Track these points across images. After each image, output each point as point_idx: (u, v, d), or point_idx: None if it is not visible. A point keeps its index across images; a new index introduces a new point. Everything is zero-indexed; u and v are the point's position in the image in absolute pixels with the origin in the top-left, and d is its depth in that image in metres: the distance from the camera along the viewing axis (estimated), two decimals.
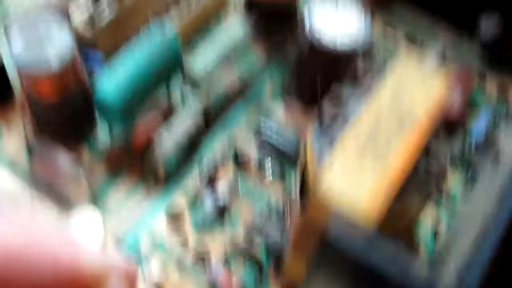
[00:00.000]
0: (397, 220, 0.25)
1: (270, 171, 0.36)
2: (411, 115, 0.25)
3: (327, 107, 0.27)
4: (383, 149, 0.24)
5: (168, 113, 0.37)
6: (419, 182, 0.25)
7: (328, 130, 0.26)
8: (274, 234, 0.31)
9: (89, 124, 0.36)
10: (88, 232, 0.32)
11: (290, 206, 0.30)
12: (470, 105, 0.41)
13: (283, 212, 0.32)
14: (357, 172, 0.24)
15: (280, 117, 0.39)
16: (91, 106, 0.34)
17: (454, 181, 0.37)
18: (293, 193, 0.29)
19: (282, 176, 0.36)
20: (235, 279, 0.31)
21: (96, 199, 0.34)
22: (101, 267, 0.21)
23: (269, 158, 0.36)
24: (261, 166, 0.36)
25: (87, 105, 0.34)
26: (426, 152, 0.25)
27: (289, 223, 0.31)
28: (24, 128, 0.36)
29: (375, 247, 0.20)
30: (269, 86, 0.40)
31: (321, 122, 0.26)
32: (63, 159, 0.33)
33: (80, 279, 0.20)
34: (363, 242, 0.20)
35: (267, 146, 0.36)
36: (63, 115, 0.33)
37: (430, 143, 0.26)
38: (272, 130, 0.37)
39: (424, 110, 0.26)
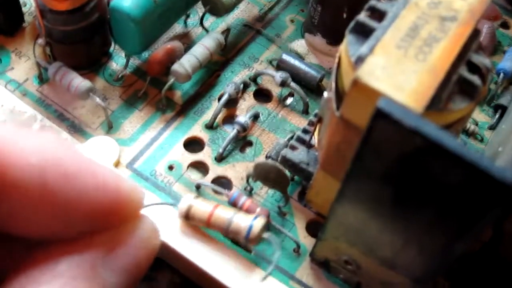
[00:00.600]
0: (442, 119, 0.23)
1: (292, 99, 0.35)
2: (453, 14, 0.24)
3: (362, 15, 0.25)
4: (425, 48, 0.23)
5: (186, 40, 0.36)
6: (462, 86, 0.24)
7: (365, 34, 0.25)
8: (300, 159, 0.29)
9: (104, 44, 0.34)
10: (102, 158, 0.31)
11: (318, 125, 0.29)
12: (496, 42, 0.39)
13: (309, 138, 0.30)
14: (399, 71, 0.22)
15: (302, 50, 0.37)
16: (105, 20, 0.33)
17: (481, 118, 0.36)
18: (326, 108, 0.27)
19: (305, 105, 0.34)
20: (259, 208, 0.29)
21: (111, 127, 0.32)
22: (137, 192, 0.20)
23: (291, 85, 0.34)
24: (282, 94, 0.35)
25: (101, 19, 0.33)
26: (467, 63, 0.24)
27: (317, 144, 0.29)
28: (35, 56, 0.34)
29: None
30: (290, 18, 0.39)
31: (357, 26, 0.25)
32: (77, 85, 0.32)
33: (121, 201, 0.19)
34: (422, 119, 0.19)
35: (289, 75, 0.34)
36: (77, 28, 0.32)
37: (471, 56, 0.24)
38: (293, 61, 0.35)
39: (466, 9, 0.24)
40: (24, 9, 0.36)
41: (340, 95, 0.25)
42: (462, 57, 0.24)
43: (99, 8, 0.32)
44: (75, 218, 0.18)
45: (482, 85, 0.24)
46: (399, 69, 0.22)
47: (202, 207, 0.27)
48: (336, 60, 0.26)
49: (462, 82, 0.23)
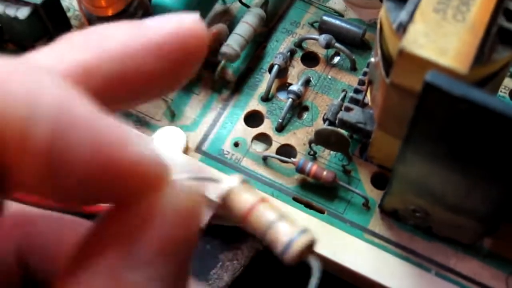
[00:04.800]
0: (487, 70, 0.24)
1: (339, 57, 0.36)
2: None
3: None
4: (462, 7, 0.24)
5: (227, 17, 0.37)
6: (503, 35, 0.24)
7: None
8: (356, 119, 0.31)
9: None
10: (172, 147, 0.33)
11: (370, 86, 0.30)
12: None
13: (363, 97, 0.31)
14: (441, 35, 0.23)
15: (340, 7, 0.38)
16: (150, 15, 0.34)
17: None
18: (374, 68, 0.28)
19: (352, 62, 0.35)
20: (325, 171, 0.31)
21: (174, 115, 0.34)
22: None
23: (336, 45, 0.35)
24: (329, 55, 0.36)
25: (146, 15, 0.34)
26: (505, 12, 0.25)
27: (371, 103, 0.31)
28: None
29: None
30: None
31: None
32: None
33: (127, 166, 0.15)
34: (468, 87, 0.20)
35: (332, 36, 0.35)
36: None
37: (508, 4, 0.25)
38: (334, 21, 0.36)
39: None
40: (68, 14, 0.38)
41: (387, 60, 0.27)
42: (499, 7, 0.25)
43: (142, 6, 0.34)
44: (70, 182, 0.14)
45: None
46: (440, 33, 0.23)
47: (244, 198, 0.20)
48: (378, 26, 0.27)
49: (502, 32, 0.24)
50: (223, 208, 0.19)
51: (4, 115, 0.14)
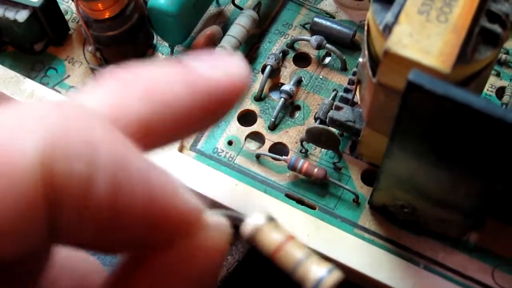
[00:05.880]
0: (470, 69, 0.25)
1: (330, 58, 0.37)
2: None
3: None
4: (445, 8, 0.25)
5: (221, 19, 0.38)
6: (485, 36, 0.25)
7: (388, 1, 0.26)
8: (346, 118, 0.32)
9: (148, 39, 0.37)
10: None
11: (358, 85, 0.31)
12: None
13: (352, 96, 0.32)
14: (424, 36, 0.24)
15: (331, 9, 0.39)
16: (145, 17, 0.36)
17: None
18: (362, 68, 0.29)
19: (343, 63, 0.36)
20: (316, 168, 0.32)
21: None
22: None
23: (327, 46, 0.36)
24: (320, 55, 0.37)
25: (142, 18, 0.35)
26: (486, 13, 0.26)
27: (360, 102, 0.32)
28: (87, 62, 0.37)
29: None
30: None
31: None
32: None
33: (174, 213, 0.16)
34: (449, 86, 0.21)
35: (323, 37, 0.36)
36: (121, 31, 0.35)
37: (490, 5, 0.26)
38: (325, 22, 0.37)
39: None
40: (66, 17, 0.39)
41: (374, 60, 0.27)
42: (481, 8, 0.25)
43: (137, 9, 0.35)
44: (124, 234, 0.16)
45: (504, 31, 0.26)
46: (424, 34, 0.24)
47: (271, 238, 0.20)
48: (365, 27, 0.28)
49: (484, 33, 0.25)
50: (251, 244, 0.20)
51: (64, 171, 0.14)
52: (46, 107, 0.15)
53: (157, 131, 0.16)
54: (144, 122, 0.16)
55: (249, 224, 0.20)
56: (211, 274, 0.18)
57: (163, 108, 0.16)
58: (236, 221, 0.20)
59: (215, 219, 0.18)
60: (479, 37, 0.25)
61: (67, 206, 0.14)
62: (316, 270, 0.20)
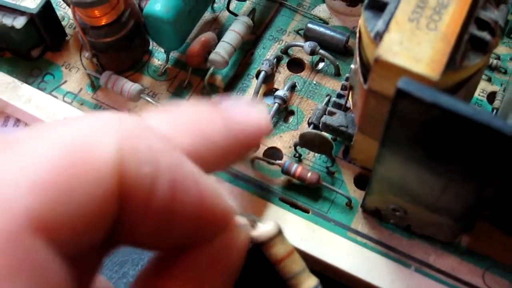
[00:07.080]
0: (459, 76, 0.26)
1: (323, 63, 0.37)
2: None
3: None
4: (435, 16, 0.25)
5: (216, 25, 0.39)
6: (474, 43, 0.26)
7: (379, 9, 0.27)
8: (339, 123, 0.32)
9: (144, 45, 0.38)
10: None
11: (351, 91, 0.32)
12: None
13: (345, 102, 0.33)
14: (414, 44, 0.25)
15: (325, 15, 0.39)
16: (141, 24, 0.36)
17: (502, 51, 0.38)
18: (354, 75, 0.30)
19: (336, 68, 0.37)
20: (310, 173, 0.32)
21: None
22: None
23: (320, 52, 0.37)
24: (314, 61, 0.38)
25: (138, 25, 0.36)
26: (476, 20, 0.26)
27: (352, 107, 0.32)
28: (84, 67, 0.38)
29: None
30: None
31: (371, 2, 0.27)
32: (128, 90, 0.35)
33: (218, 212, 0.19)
34: (437, 93, 0.21)
35: (317, 43, 0.37)
36: (118, 37, 0.35)
37: (479, 13, 0.26)
38: (319, 29, 0.38)
39: None
40: (63, 23, 0.39)
41: (365, 67, 0.28)
42: (471, 16, 0.26)
43: (133, 16, 0.35)
44: (176, 231, 0.18)
45: (493, 38, 0.26)
46: (414, 41, 0.25)
47: (278, 250, 0.23)
48: (357, 34, 0.29)
49: (473, 40, 0.26)
50: (258, 247, 0.23)
51: (135, 173, 0.16)
52: (119, 117, 0.17)
53: (196, 162, 0.19)
54: (188, 151, 0.18)
55: (266, 232, 0.22)
56: (236, 270, 0.20)
57: (206, 141, 0.19)
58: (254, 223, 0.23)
59: (241, 219, 0.20)
60: (468, 44, 0.26)
61: (133, 204, 0.16)
62: (308, 284, 0.23)
